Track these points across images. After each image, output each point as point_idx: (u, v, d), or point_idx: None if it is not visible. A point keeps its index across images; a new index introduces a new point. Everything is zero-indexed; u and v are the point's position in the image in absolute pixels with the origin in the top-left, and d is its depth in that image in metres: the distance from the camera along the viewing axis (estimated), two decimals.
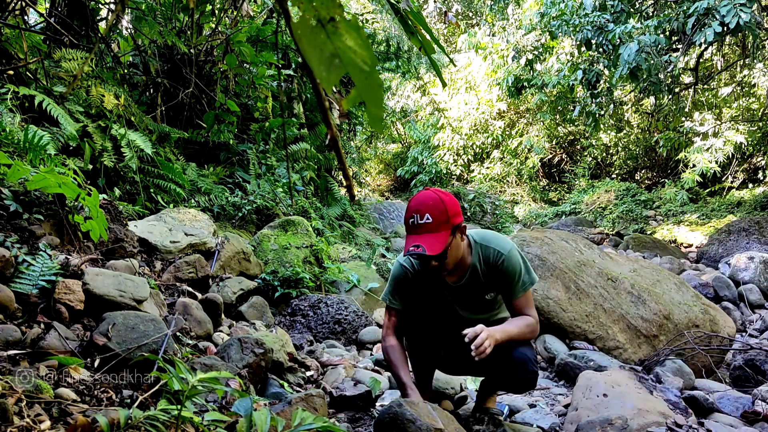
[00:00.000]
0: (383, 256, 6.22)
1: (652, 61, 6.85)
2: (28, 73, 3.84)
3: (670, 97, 9.47)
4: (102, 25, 5.22)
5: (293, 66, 7.08)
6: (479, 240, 2.03)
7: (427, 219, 1.81)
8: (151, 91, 5.52)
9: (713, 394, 2.63)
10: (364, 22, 8.66)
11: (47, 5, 4.66)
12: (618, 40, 7.18)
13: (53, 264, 2.07)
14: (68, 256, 2.30)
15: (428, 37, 0.98)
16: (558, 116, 13.76)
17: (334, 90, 7.35)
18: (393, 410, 1.71)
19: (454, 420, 1.88)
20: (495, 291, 2.06)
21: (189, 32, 5.29)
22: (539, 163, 14.32)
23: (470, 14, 17.90)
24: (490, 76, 13.67)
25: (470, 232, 2.05)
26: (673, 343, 3.32)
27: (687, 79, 10.56)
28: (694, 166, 10.26)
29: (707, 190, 11.55)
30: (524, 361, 1.99)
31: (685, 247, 8.79)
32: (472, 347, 1.76)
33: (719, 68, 10.48)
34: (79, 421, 1.28)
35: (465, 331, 1.80)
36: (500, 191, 14.21)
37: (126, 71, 5.25)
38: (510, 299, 2.03)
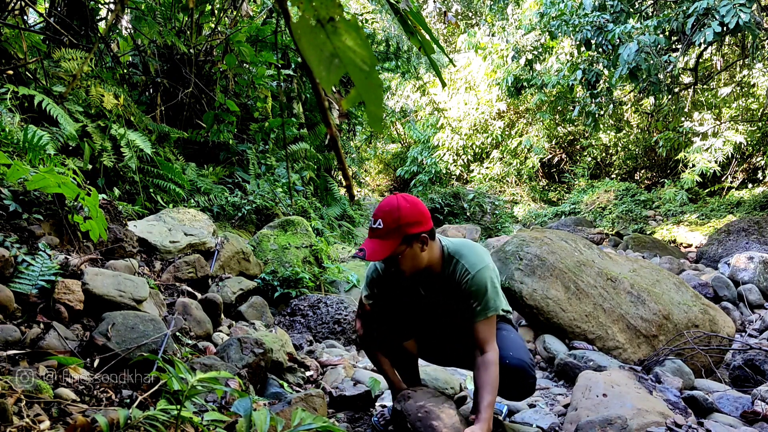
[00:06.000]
0: None
1: (651, 61, 6.85)
2: (27, 72, 3.84)
3: (670, 97, 9.48)
4: (101, 24, 5.22)
5: (293, 66, 7.08)
6: (453, 252, 1.96)
7: (379, 224, 1.80)
8: (151, 91, 5.52)
9: (713, 394, 2.63)
10: (364, 22, 8.66)
11: (47, 5, 4.65)
12: (618, 40, 7.19)
13: (53, 264, 2.07)
14: (68, 256, 2.30)
15: (428, 37, 0.98)
16: (557, 116, 13.78)
17: (334, 90, 7.34)
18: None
19: (454, 415, 1.88)
20: (462, 306, 1.98)
21: (189, 32, 5.28)
22: (539, 163, 14.33)
23: (470, 14, 17.91)
24: (489, 76, 13.68)
25: (448, 241, 1.99)
26: (673, 343, 3.32)
27: (686, 79, 10.57)
28: (693, 166, 10.27)
29: (707, 190, 11.56)
30: (522, 369, 1.91)
31: (685, 247, 8.80)
32: None
33: (719, 68, 10.49)
34: (79, 421, 1.28)
35: None
36: (500, 191, 14.22)
37: (125, 71, 5.25)
38: (471, 321, 1.92)
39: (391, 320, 2.10)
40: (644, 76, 7.16)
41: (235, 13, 5.92)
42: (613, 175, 14.12)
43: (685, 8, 6.59)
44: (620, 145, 13.94)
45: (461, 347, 2.08)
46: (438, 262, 1.95)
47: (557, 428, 2.29)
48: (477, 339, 1.89)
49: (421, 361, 2.38)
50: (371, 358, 2.19)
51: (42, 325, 1.82)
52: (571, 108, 11.08)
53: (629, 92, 11.01)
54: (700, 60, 9.80)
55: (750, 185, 11.66)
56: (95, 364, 1.73)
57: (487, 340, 1.88)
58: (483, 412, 1.78)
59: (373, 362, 2.20)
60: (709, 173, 10.29)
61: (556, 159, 15.40)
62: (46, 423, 1.29)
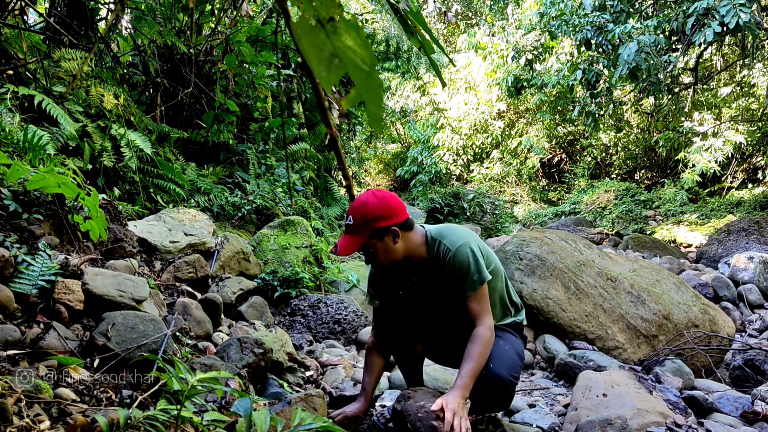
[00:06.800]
0: None
1: (651, 61, 6.85)
2: (27, 72, 3.84)
3: (670, 97, 9.48)
4: (101, 24, 5.22)
5: (293, 66, 7.08)
6: (435, 236, 1.99)
7: (350, 221, 1.87)
8: (151, 91, 5.53)
9: (713, 394, 2.63)
10: (364, 22, 8.65)
11: (47, 5, 4.65)
12: (618, 40, 7.19)
13: (53, 264, 2.07)
14: (68, 256, 2.30)
15: (428, 37, 0.98)
16: (558, 116, 13.78)
17: (334, 90, 7.35)
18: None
19: None
20: (450, 283, 2.00)
21: (189, 32, 5.29)
22: (539, 163, 14.33)
23: (470, 14, 17.91)
24: (489, 76, 13.68)
25: (431, 227, 2.04)
26: (673, 343, 3.32)
27: (686, 79, 10.57)
28: (693, 166, 10.27)
29: (707, 190, 11.56)
30: (496, 382, 1.87)
31: (685, 247, 8.80)
32: None
33: (719, 68, 10.50)
34: (79, 421, 1.28)
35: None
36: (500, 191, 14.22)
37: (125, 71, 5.25)
38: (463, 298, 1.95)
39: (400, 325, 2.13)
40: (644, 76, 7.16)
41: (235, 13, 5.92)
42: (613, 175, 14.12)
43: (685, 8, 6.59)
44: (620, 145, 13.94)
45: (462, 337, 2.08)
46: (422, 249, 1.99)
47: (557, 428, 2.29)
48: (471, 315, 1.94)
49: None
50: (366, 354, 2.24)
51: (42, 325, 1.82)
52: (571, 108, 11.08)
53: (629, 92, 11.01)
54: (700, 60, 9.80)
55: (750, 185, 11.66)
56: (95, 364, 1.73)
57: (479, 314, 1.92)
58: (459, 379, 1.81)
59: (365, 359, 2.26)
60: (709, 173, 10.29)
61: (556, 159, 15.40)
62: (46, 423, 1.29)
